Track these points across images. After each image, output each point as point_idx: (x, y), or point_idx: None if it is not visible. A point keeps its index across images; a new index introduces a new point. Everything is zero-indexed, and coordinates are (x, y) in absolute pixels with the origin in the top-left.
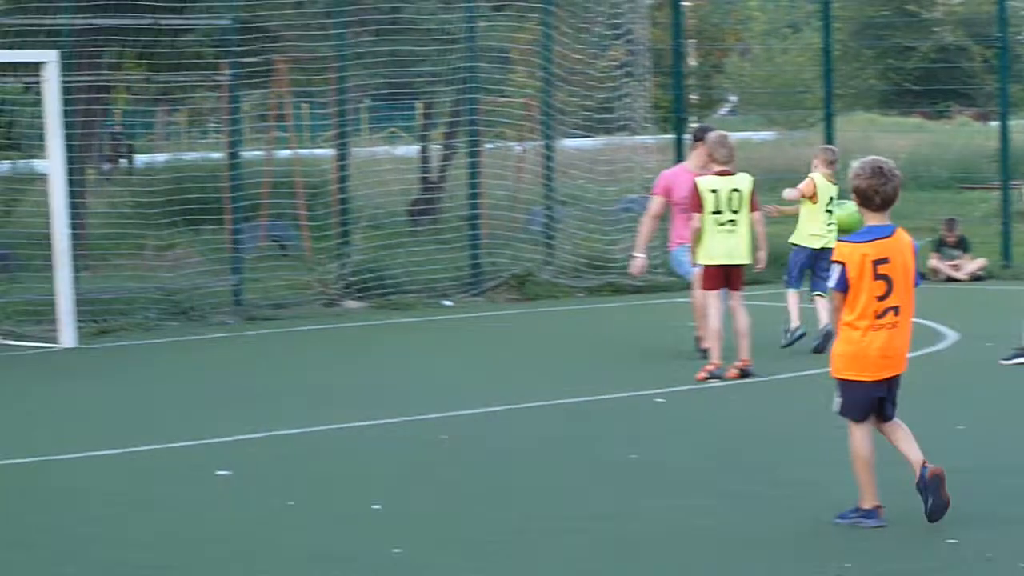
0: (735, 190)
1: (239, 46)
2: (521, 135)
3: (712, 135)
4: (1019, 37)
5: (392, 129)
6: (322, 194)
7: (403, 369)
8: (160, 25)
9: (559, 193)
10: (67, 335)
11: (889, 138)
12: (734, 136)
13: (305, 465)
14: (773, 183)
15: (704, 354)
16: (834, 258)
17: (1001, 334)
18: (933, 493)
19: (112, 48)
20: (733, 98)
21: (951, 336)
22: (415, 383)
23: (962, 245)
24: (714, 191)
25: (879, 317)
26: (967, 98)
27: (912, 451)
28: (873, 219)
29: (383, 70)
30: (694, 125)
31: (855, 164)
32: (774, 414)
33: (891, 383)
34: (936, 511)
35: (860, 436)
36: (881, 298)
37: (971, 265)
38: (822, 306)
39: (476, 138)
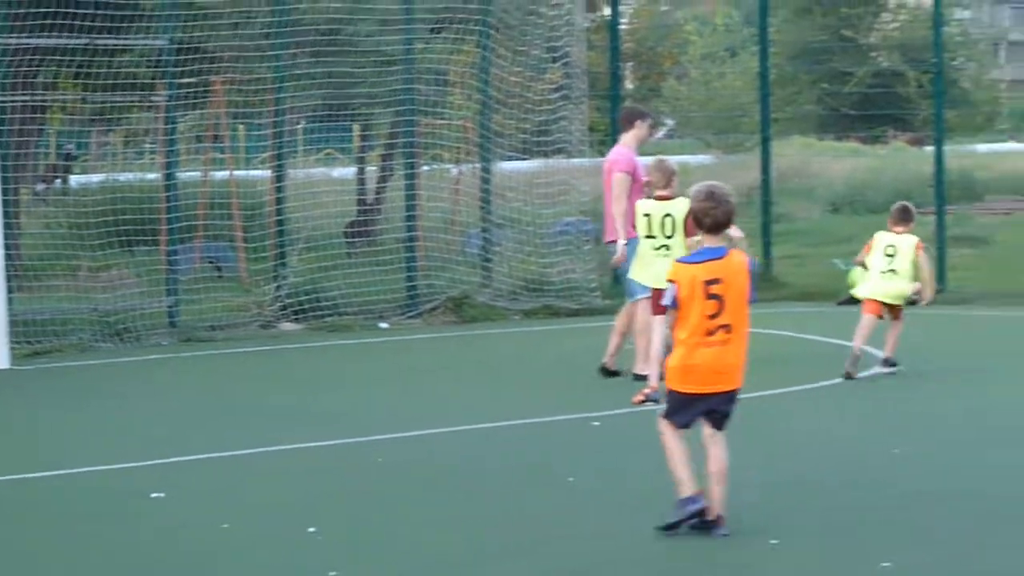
0: (667, 215)
1: (176, 66)
2: (458, 157)
3: (652, 160)
4: (954, 63)
5: (329, 151)
6: (258, 215)
7: (339, 391)
8: (96, 45)
9: (496, 215)
10: (0, 356)
11: (824, 162)
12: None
13: (240, 487)
14: None
15: (637, 378)
16: (668, 278)
17: (933, 357)
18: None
19: (48, 68)
20: (670, 122)
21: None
22: (351, 405)
23: None
24: (647, 215)
25: (709, 335)
26: (903, 123)
27: (711, 471)
28: (707, 241)
29: (321, 91)
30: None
31: (692, 188)
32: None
33: (722, 397)
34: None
35: (671, 436)
36: (712, 316)
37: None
38: None
39: (413, 160)
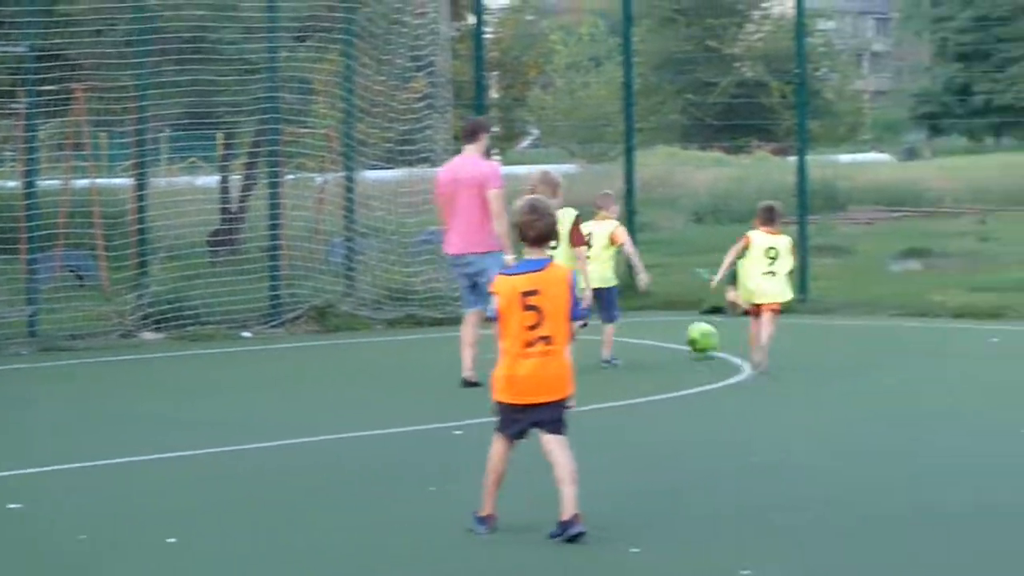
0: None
1: (36, 74)
2: (322, 166)
3: (536, 172)
4: (817, 73)
5: (192, 159)
6: (120, 224)
7: (200, 401)
8: None
9: (360, 225)
10: None
11: (687, 172)
12: (534, 169)
13: (99, 498)
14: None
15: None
16: (491, 289)
17: (794, 366)
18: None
19: None
20: (535, 131)
21: (747, 369)
22: (211, 415)
23: None
24: None
25: (529, 346)
26: (766, 133)
27: (559, 478)
28: (529, 253)
29: (184, 99)
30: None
31: (516, 203)
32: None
33: (547, 408)
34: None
35: (498, 449)
36: (532, 328)
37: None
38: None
39: (277, 169)
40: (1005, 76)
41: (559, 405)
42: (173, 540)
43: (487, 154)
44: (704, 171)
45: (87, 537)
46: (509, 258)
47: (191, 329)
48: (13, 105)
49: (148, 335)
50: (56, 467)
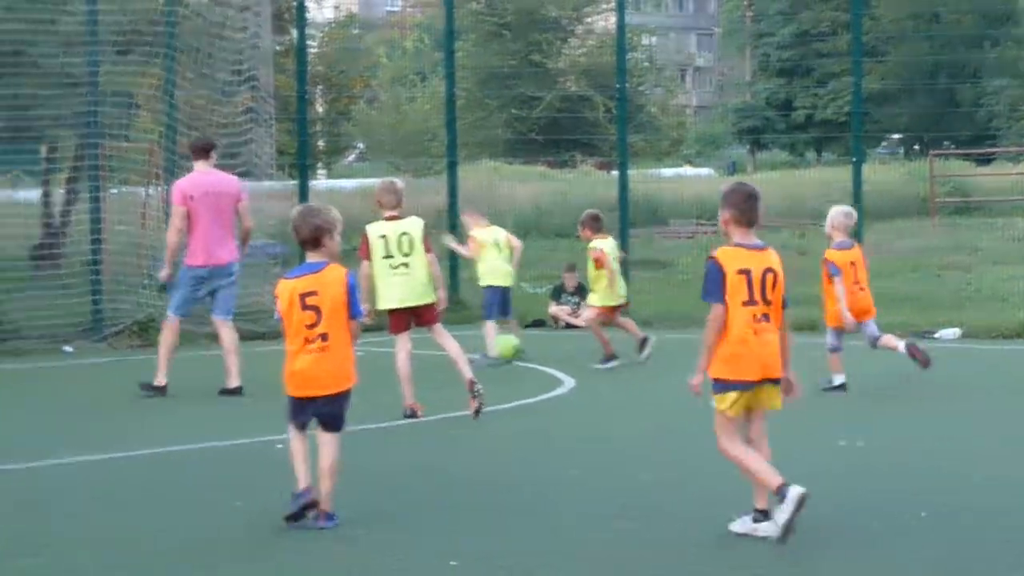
0: (404, 233)
1: None
2: (147, 180)
3: (380, 182)
4: (640, 88)
5: (15, 172)
6: None
7: (12, 417)
8: None
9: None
10: None
11: (510, 186)
12: (359, 183)
13: None
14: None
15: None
16: (276, 292)
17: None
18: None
19: None
20: (360, 145)
21: (568, 382)
22: (22, 430)
23: (580, 292)
24: (383, 236)
25: (309, 343)
26: (591, 148)
27: (321, 467)
28: (309, 256)
29: (5, 112)
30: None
31: (293, 210)
32: (434, 454)
33: (326, 400)
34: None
35: (293, 437)
36: (310, 326)
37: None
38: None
39: (98, 183)
40: (826, 91)
41: (338, 398)
42: None
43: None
44: (527, 185)
45: None
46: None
47: (10, 344)
48: None
49: None
50: None
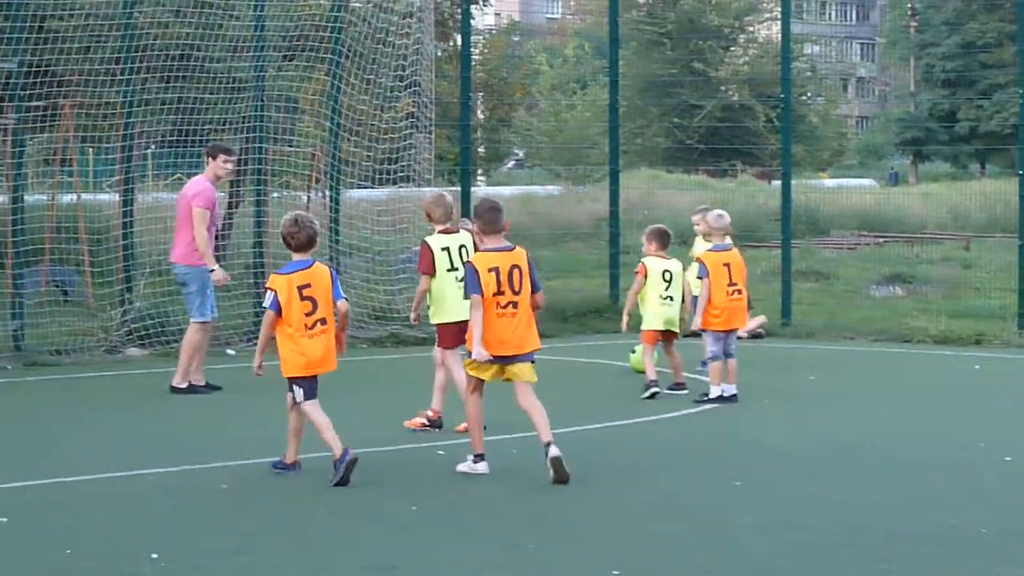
0: (463, 246)
1: (24, 89)
2: (308, 184)
3: (429, 195)
4: (803, 97)
5: (178, 175)
6: (106, 240)
7: (183, 418)
8: None
9: (344, 243)
10: None
11: (670, 195)
12: (518, 189)
13: (84, 513)
14: (555, 238)
15: None
16: (267, 286)
17: (779, 390)
18: (343, 473)
19: None
20: (519, 152)
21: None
22: (196, 432)
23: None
24: (445, 248)
25: (310, 328)
26: (751, 157)
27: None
28: (296, 256)
29: (170, 116)
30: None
31: (283, 218)
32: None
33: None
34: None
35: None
36: (309, 314)
37: (751, 322)
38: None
39: (262, 187)
40: (990, 103)
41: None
42: (156, 556)
43: (219, 178)
44: (686, 193)
45: (72, 552)
46: (216, 266)
47: (175, 346)
48: (1, 120)
49: (133, 351)
50: (41, 481)
